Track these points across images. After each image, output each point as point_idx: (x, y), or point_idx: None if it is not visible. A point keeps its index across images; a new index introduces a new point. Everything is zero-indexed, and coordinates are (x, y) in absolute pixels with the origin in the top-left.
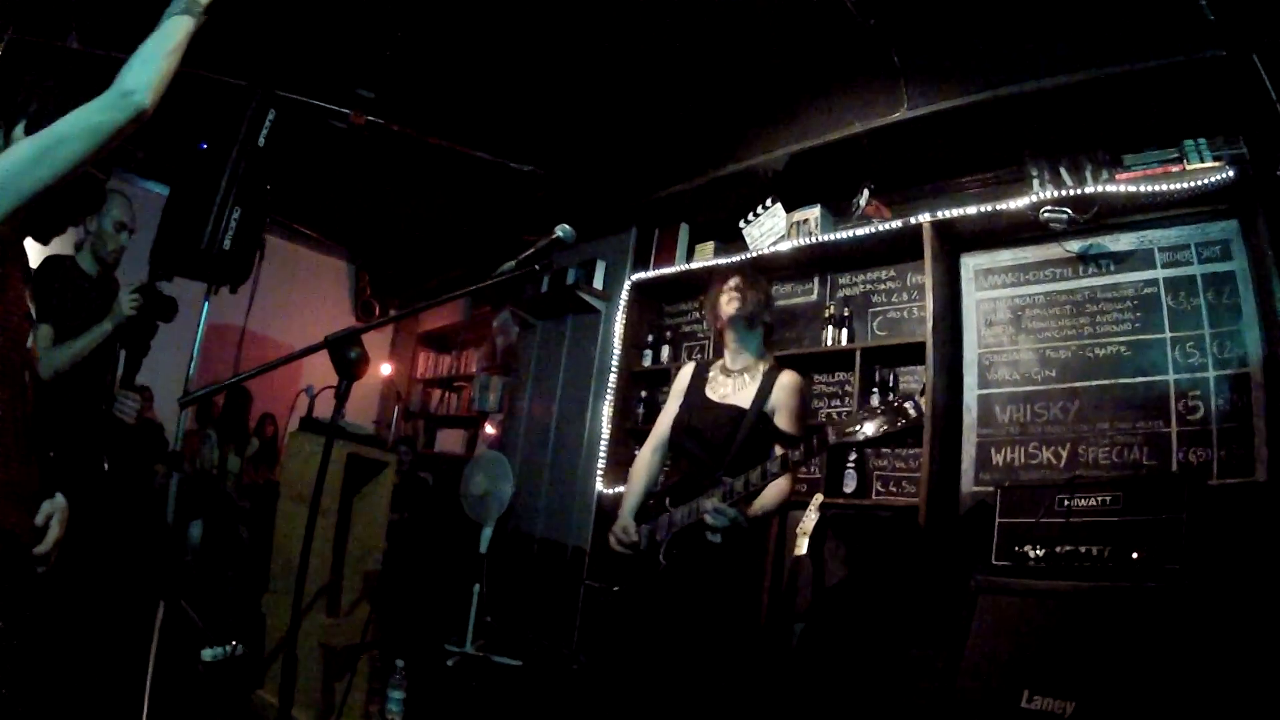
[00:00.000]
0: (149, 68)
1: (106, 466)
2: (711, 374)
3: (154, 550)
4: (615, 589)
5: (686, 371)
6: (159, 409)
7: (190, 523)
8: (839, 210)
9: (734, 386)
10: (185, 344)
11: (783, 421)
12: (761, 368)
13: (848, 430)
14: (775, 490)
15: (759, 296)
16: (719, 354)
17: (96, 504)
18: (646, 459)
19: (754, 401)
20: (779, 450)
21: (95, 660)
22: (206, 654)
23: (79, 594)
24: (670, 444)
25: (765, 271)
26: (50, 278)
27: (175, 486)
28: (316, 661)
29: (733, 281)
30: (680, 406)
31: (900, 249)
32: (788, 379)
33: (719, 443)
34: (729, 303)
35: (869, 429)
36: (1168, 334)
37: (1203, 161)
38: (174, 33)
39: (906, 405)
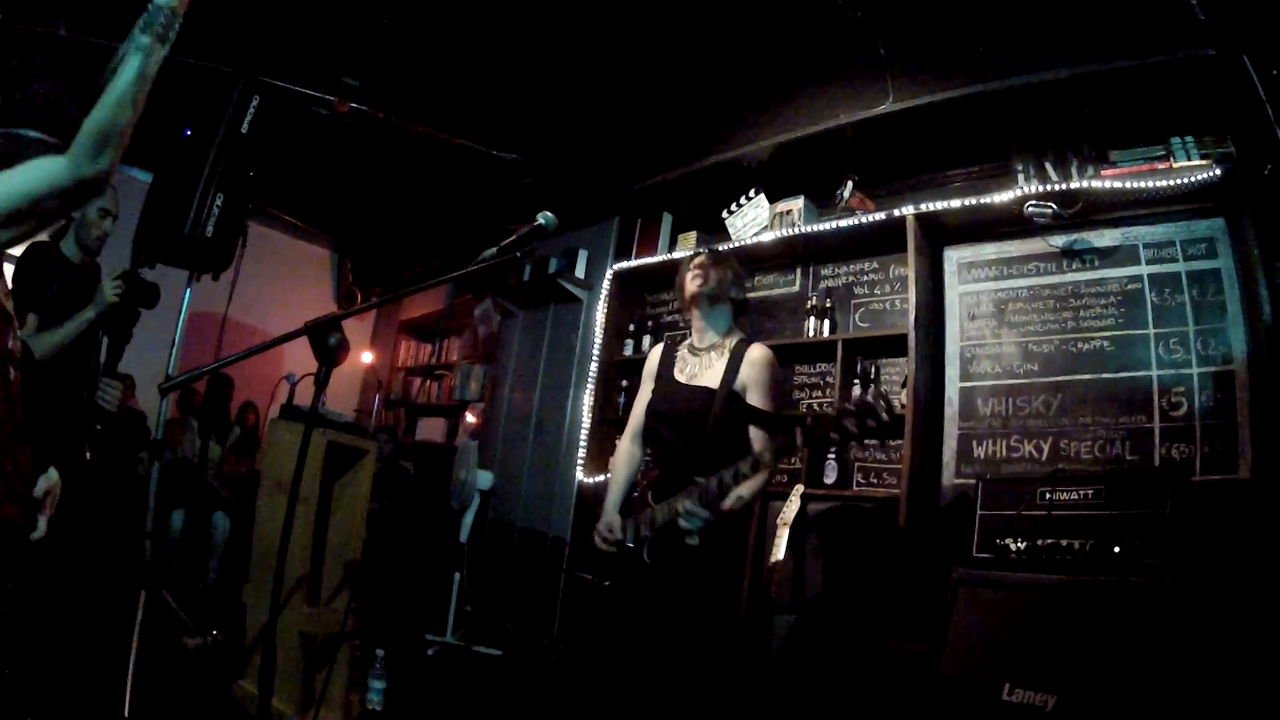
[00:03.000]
0: (103, 137)
1: (89, 455)
2: (679, 354)
3: (135, 539)
4: (606, 583)
5: (655, 353)
6: (140, 398)
7: (172, 512)
8: (823, 201)
9: (701, 365)
10: (167, 332)
11: (756, 399)
12: (729, 344)
13: (817, 433)
14: (751, 481)
15: (723, 273)
16: (688, 334)
17: (79, 493)
18: (626, 448)
19: (723, 380)
20: (755, 432)
21: (78, 649)
22: (188, 643)
23: (62, 583)
24: (645, 430)
25: (747, 262)
26: (34, 265)
27: (157, 475)
28: (297, 651)
29: (698, 259)
30: (652, 391)
31: (883, 241)
32: (756, 353)
33: (692, 428)
34: (692, 280)
35: (837, 434)
36: (1151, 330)
37: (1190, 159)
38: (131, 76)
39: (878, 406)
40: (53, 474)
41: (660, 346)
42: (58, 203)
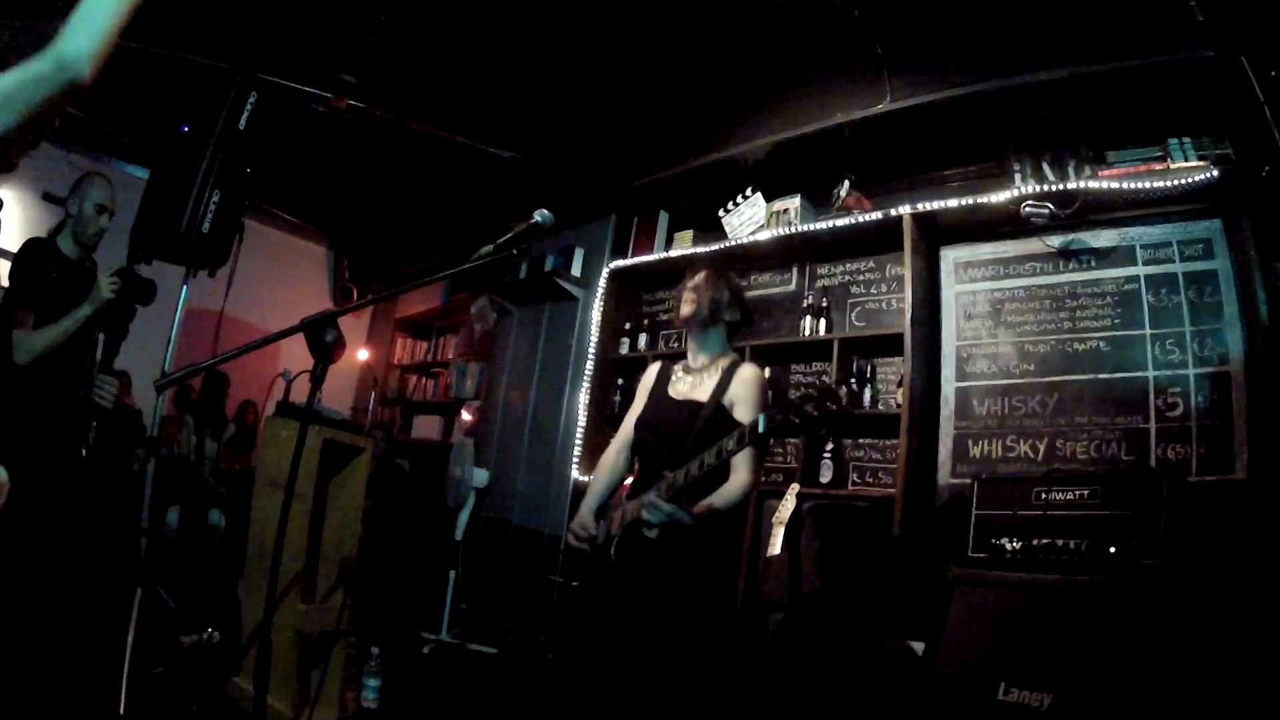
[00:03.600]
0: (91, 32)
1: (84, 452)
2: (675, 372)
3: (131, 536)
4: (574, 584)
5: (652, 371)
6: (136, 395)
7: (167, 509)
8: (819, 200)
9: (694, 383)
10: (163, 329)
11: (742, 414)
12: (722, 364)
13: (775, 420)
14: (729, 489)
15: (718, 295)
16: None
17: (74, 489)
18: (611, 458)
19: (712, 395)
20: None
21: (74, 646)
22: (183, 640)
23: (57, 579)
24: (634, 442)
25: (744, 261)
26: (31, 261)
27: (152, 472)
28: (292, 649)
29: (692, 281)
30: (644, 405)
31: (880, 240)
32: (747, 372)
33: (675, 437)
34: (684, 304)
35: (797, 418)
36: (1148, 330)
37: (1187, 160)
38: None
39: (840, 392)
40: (1, 473)
41: (657, 365)
42: (39, 98)
